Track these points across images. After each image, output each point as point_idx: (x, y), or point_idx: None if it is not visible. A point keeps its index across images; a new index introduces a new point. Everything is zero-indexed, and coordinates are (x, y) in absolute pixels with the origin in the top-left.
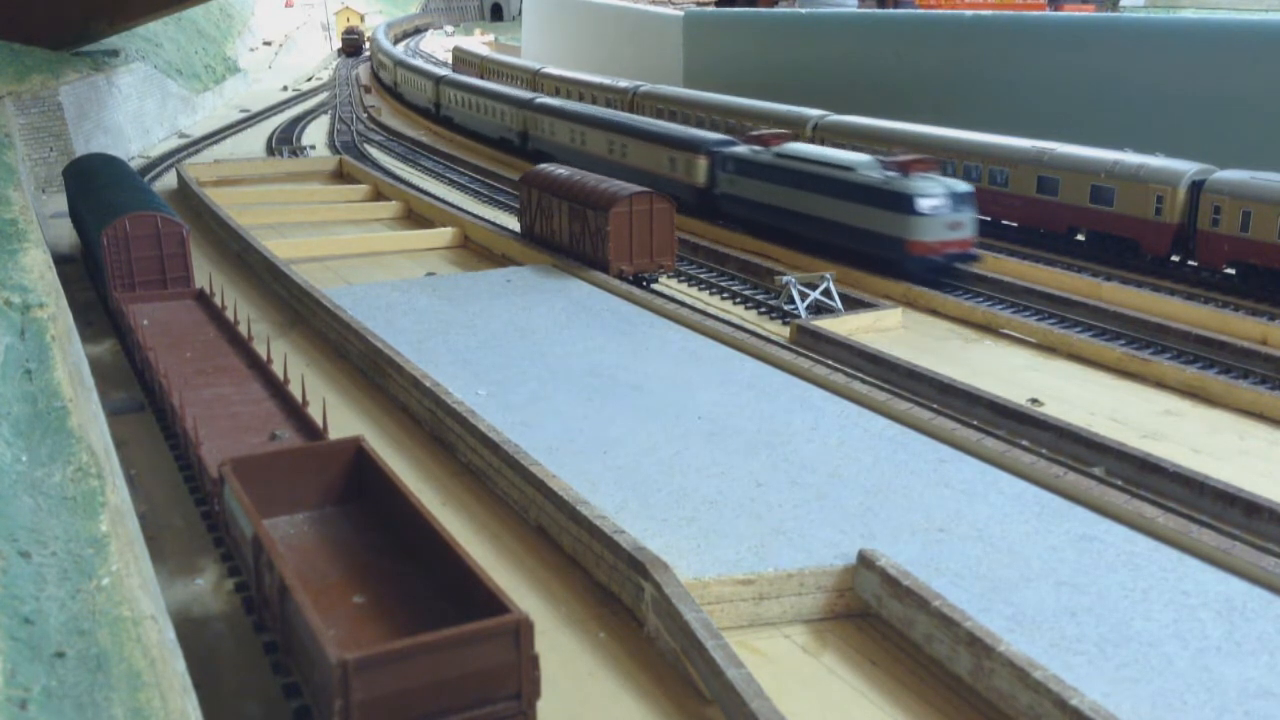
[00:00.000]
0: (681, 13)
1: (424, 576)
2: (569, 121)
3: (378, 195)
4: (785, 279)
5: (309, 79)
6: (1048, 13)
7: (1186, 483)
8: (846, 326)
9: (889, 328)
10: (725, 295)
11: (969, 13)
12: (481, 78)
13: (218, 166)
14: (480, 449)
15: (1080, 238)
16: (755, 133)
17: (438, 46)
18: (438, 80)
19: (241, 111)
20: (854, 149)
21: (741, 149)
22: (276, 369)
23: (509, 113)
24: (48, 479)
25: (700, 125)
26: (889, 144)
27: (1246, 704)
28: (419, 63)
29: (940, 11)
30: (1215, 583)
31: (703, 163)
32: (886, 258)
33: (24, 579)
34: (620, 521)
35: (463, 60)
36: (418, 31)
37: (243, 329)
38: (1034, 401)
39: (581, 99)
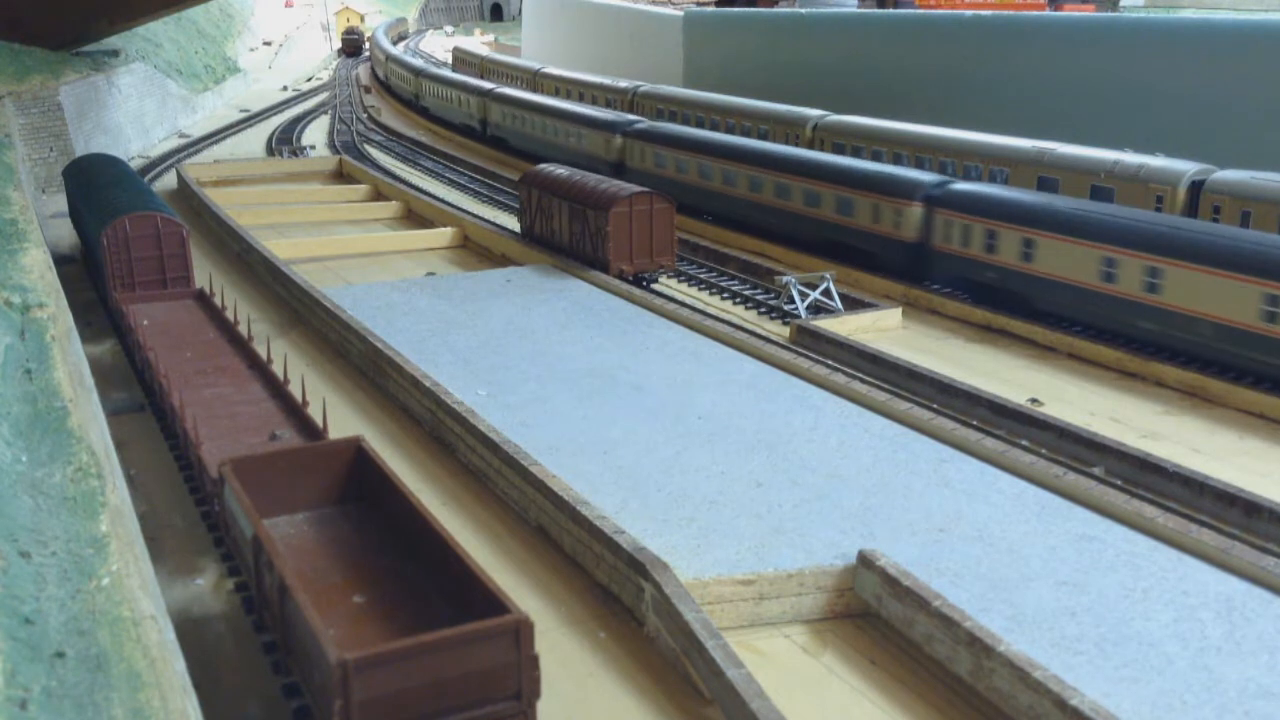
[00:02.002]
0: (681, 13)
1: (424, 576)
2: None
3: (377, 195)
4: (785, 279)
5: (309, 79)
6: (1047, 13)
7: (1186, 483)
8: (846, 326)
9: (889, 328)
10: (725, 295)
11: (969, 13)
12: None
13: (218, 167)
14: (480, 449)
15: None
16: None
17: (437, 46)
18: (621, 131)
19: (241, 111)
20: (854, 150)
21: None
22: (276, 369)
23: (885, 210)
24: (48, 479)
25: (700, 125)
26: (889, 144)
27: (1246, 704)
28: (580, 108)
29: (940, 11)
30: (1215, 583)
31: None
32: None
33: (24, 579)
34: (620, 522)
35: (462, 60)
36: (402, 38)
37: (243, 329)
38: (1034, 401)
39: (581, 99)
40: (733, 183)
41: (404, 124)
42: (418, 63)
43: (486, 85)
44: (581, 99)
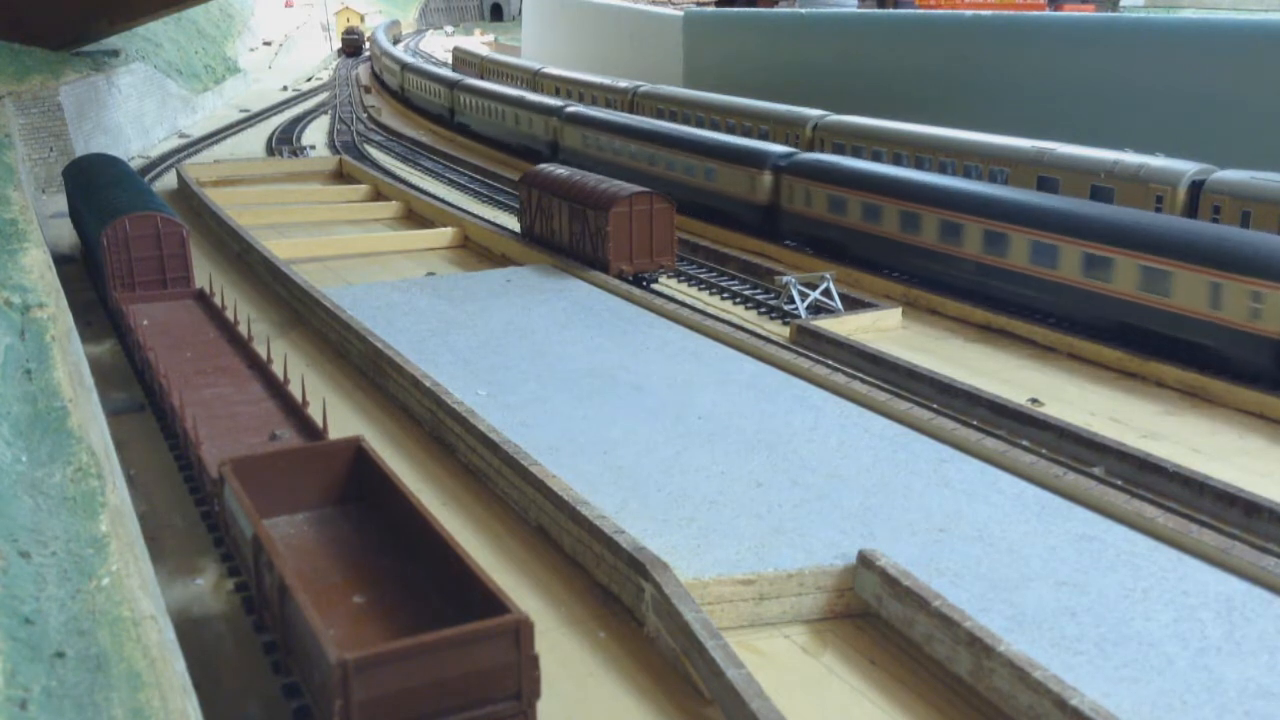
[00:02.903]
0: (681, 13)
1: (424, 576)
2: None
3: (378, 195)
4: (785, 279)
5: (309, 79)
6: (1048, 13)
7: (1186, 483)
8: (846, 326)
9: (889, 328)
10: (725, 295)
11: (969, 13)
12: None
13: (218, 167)
14: (480, 449)
15: None
16: None
17: (437, 46)
18: (773, 166)
19: (241, 111)
20: (854, 150)
21: None
22: (276, 369)
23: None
24: (48, 479)
25: (700, 125)
26: (889, 144)
27: (1246, 704)
28: (711, 136)
29: (940, 11)
30: (1215, 583)
31: None
32: None
33: (24, 579)
34: (620, 521)
35: (463, 60)
36: (397, 41)
37: (243, 329)
38: (1034, 401)
39: (581, 99)
40: (956, 239)
41: (404, 124)
42: (453, 75)
43: (556, 102)
44: (581, 99)
